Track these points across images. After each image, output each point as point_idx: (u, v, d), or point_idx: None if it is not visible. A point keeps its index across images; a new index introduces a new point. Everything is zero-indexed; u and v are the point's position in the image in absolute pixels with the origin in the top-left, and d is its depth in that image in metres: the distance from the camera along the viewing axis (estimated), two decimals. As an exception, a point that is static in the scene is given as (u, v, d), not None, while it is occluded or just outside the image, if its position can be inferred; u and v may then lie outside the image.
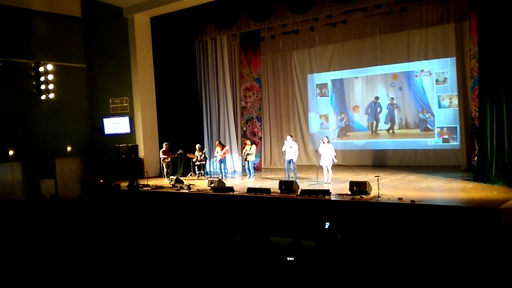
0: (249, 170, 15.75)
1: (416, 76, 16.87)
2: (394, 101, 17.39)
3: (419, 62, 16.66)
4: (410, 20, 15.82)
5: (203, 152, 16.88)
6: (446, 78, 16.27)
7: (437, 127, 16.55)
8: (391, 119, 17.53)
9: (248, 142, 16.15)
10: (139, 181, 15.20)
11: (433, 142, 16.67)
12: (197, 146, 16.73)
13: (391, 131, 17.58)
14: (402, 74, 17.13)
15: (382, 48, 17.03)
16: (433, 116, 16.59)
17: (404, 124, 17.27)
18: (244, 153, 15.78)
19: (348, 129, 18.67)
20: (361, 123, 18.29)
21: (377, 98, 17.80)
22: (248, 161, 15.70)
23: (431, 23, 15.44)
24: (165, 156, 16.62)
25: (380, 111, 17.76)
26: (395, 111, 17.41)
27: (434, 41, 16.27)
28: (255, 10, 15.83)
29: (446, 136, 16.40)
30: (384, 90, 17.66)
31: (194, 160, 16.75)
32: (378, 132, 17.90)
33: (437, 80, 16.50)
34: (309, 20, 16.32)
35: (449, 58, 15.95)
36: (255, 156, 16.49)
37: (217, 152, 16.27)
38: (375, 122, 17.93)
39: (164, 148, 16.74)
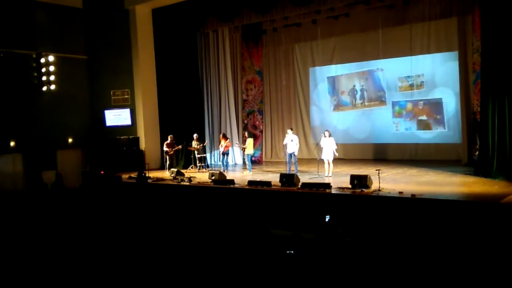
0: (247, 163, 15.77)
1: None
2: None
3: (415, 56, 16.67)
4: (412, 14, 15.75)
5: (204, 144, 16.84)
6: (423, 82, 16.55)
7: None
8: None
9: (246, 135, 16.16)
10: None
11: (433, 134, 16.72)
12: (195, 135, 16.69)
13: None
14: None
15: (384, 42, 16.95)
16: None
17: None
18: (239, 146, 15.74)
19: (339, 105, 18.90)
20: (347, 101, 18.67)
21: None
22: (246, 154, 15.74)
23: (434, 16, 15.39)
24: (168, 149, 16.62)
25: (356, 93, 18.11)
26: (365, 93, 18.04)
27: (437, 35, 16.18)
28: (257, 2, 15.76)
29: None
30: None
31: (193, 150, 16.74)
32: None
33: (411, 85, 16.80)
34: (311, 13, 16.24)
35: (451, 52, 15.88)
36: (256, 149, 16.44)
37: (221, 145, 16.16)
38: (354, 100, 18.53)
39: (168, 141, 16.72)
